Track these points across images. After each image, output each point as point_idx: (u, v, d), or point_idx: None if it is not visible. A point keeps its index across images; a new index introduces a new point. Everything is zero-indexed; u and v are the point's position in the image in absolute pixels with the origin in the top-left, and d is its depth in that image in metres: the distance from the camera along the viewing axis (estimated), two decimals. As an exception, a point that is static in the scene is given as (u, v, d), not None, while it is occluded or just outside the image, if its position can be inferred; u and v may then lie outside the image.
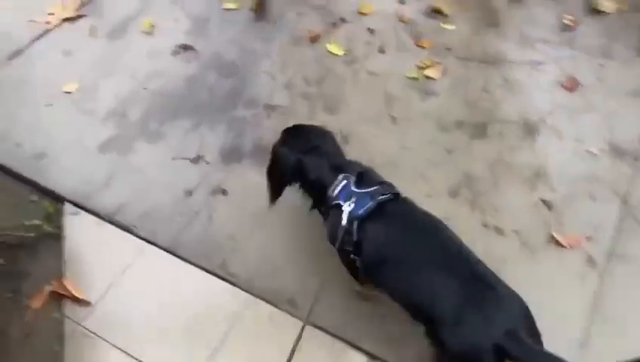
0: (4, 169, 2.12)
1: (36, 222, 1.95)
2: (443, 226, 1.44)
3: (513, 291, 1.30)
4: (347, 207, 1.43)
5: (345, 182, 1.48)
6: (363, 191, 1.45)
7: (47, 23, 2.66)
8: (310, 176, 1.55)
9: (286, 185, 1.63)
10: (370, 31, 2.69)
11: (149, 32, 2.64)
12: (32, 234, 1.93)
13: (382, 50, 2.60)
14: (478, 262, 1.35)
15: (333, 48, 2.59)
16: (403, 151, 2.20)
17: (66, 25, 2.67)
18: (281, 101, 2.37)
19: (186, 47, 2.57)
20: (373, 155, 2.15)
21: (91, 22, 2.69)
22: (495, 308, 1.24)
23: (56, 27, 2.66)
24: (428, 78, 2.47)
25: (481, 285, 1.28)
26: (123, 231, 1.96)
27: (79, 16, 2.71)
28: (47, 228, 1.95)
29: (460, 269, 1.31)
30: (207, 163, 2.15)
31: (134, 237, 1.94)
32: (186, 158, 2.16)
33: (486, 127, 2.29)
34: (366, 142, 2.22)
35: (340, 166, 1.54)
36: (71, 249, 1.92)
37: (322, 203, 1.54)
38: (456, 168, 2.15)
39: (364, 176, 1.51)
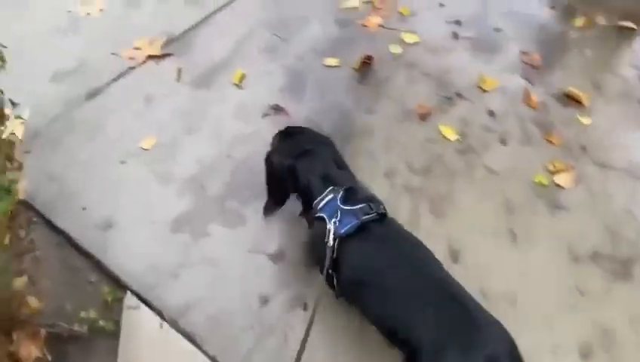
0: (65, 236, 1.89)
1: (92, 314, 1.70)
2: (425, 251, 1.41)
3: (495, 320, 1.25)
4: (332, 225, 1.40)
5: (331, 196, 1.46)
6: (348, 208, 1.42)
7: (131, 58, 2.43)
8: (301, 182, 1.54)
9: (287, 195, 1.65)
10: (491, 113, 2.30)
11: (239, 84, 2.35)
12: (85, 329, 1.68)
13: (503, 141, 2.21)
14: (460, 290, 1.30)
15: (446, 131, 2.22)
16: (524, 282, 1.81)
17: (151, 63, 2.43)
18: (379, 191, 2.01)
19: (277, 109, 2.26)
20: (485, 281, 1.79)
21: (178, 63, 2.43)
22: (474, 336, 1.19)
23: (140, 65, 2.41)
24: (558, 185, 2.07)
25: (460, 313, 1.23)
26: (186, 341, 1.68)
27: (165, 55, 2.45)
28: (103, 323, 1.70)
29: (439, 297, 1.27)
30: (289, 263, 1.84)
31: (198, 351, 1.66)
32: (265, 253, 1.86)
33: (630, 265, 1.87)
34: (478, 262, 1.85)
35: (330, 177, 1.52)
36: (126, 354, 1.65)
37: (308, 211, 1.54)
38: (590, 317, 1.74)
39: (352, 192, 1.47)
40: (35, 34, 2.52)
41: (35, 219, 1.92)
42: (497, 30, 2.65)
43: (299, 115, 2.26)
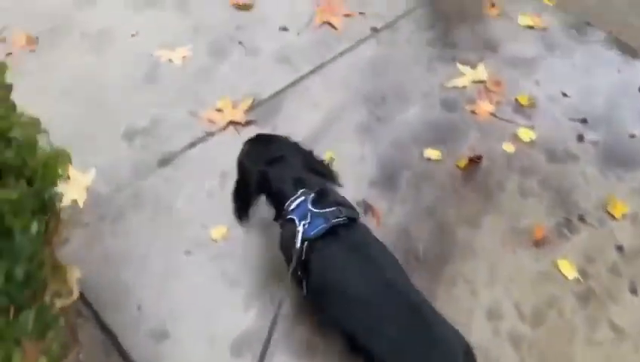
0: (114, 340, 1.66)
1: None
2: (391, 260, 1.44)
3: (454, 330, 1.30)
4: (301, 228, 1.41)
5: (302, 198, 1.46)
6: (319, 211, 1.43)
7: (211, 122, 2.19)
8: (273, 188, 1.54)
9: (253, 199, 1.61)
10: (619, 249, 1.92)
11: (327, 171, 2.06)
12: None
13: (633, 289, 1.83)
14: (421, 300, 1.34)
15: (564, 265, 1.86)
16: None
17: (231, 130, 2.18)
18: (478, 336, 1.69)
19: (365, 208, 1.97)
20: None
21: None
22: (433, 349, 1.23)
23: (220, 131, 2.17)
24: None
25: (420, 324, 1.27)
26: None
27: (248, 123, 2.20)
28: None
29: (399, 306, 1.30)
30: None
31: None
32: (339, 403, 1.58)
33: None
34: None
35: (302, 180, 1.52)
36: None
37: (280, 214, 1.54)
38: None
39: (323, 195, 1.47)
40: (113, 79, 2.33)
41: (84, 313, 1.71)
42: (632, 137, 2.25)
43: (389, 218, 1.96)
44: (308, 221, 1.41)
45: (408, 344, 1.26)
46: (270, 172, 1.55)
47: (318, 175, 1.61)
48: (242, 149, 1.69)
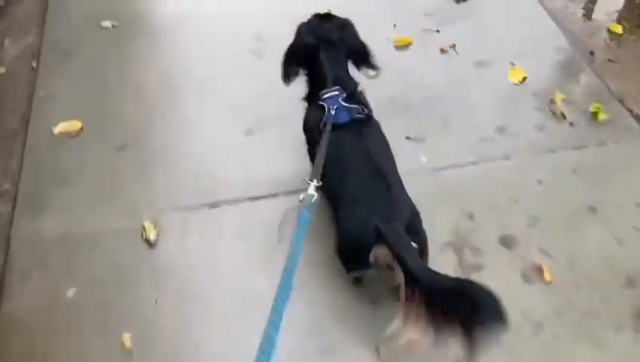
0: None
1: None
2: (383, 148, 1.73)
3: (407, 197, 1.59)
4: (333, 111, 1.71)
5: (336, 93, 1.75)
6: (346, 105, 1.73)
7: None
8: (316, 72, 1.81)
9: (298, 67, 1.85)
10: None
11: None
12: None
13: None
14: (389, 170, 1.63)
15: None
16: None
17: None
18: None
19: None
20: None
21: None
22: (384, 202, 1.52)
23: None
24: None
25: (380, 184, 1.56)
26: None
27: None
28: None
29: (370, 170, 1.60)
30: None
31: None
32: None
33: None
34: None
35: (341, 79, 1.80)
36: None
37: (312, 97, 1.84)
38: None
39: (352, 96, 1.78)
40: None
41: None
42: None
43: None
44: (335, 108, 1.71)
45: (367, 194, 1.56)
46: (321, 53, 1.79)
47: (359, 60, 1.87)
48: (309, 19, 1.90)
